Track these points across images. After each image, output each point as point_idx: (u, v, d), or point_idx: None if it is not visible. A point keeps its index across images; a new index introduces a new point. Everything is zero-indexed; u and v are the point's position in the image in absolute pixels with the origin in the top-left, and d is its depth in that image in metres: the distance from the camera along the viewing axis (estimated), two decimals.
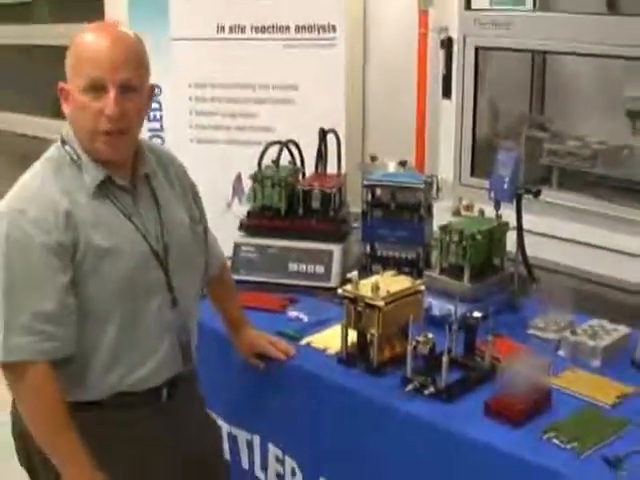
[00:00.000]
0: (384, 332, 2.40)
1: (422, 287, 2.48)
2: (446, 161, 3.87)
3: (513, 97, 3.86)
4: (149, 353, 2.19)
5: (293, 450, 2.58)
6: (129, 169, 2.19)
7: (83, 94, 2.04)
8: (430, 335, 2.31)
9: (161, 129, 4.05)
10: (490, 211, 2.82)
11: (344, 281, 2.97)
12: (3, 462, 2.54)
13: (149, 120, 3.93)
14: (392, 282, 2.48)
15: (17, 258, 2.01)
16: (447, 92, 3.80)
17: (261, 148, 3.02)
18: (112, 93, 2.02)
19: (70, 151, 2.12)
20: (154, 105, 3.93)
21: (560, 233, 3.23)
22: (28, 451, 2.20)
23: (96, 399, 2.15)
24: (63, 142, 2.14)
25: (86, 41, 2.06)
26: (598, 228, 3.25)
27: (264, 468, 2.71)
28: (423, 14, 4.11)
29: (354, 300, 2.43)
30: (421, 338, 2.30)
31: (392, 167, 3.94)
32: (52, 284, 2.02)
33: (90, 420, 2.11)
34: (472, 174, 3.69)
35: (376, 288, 2.38)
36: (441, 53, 3.80)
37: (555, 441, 2.09)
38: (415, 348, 2.31)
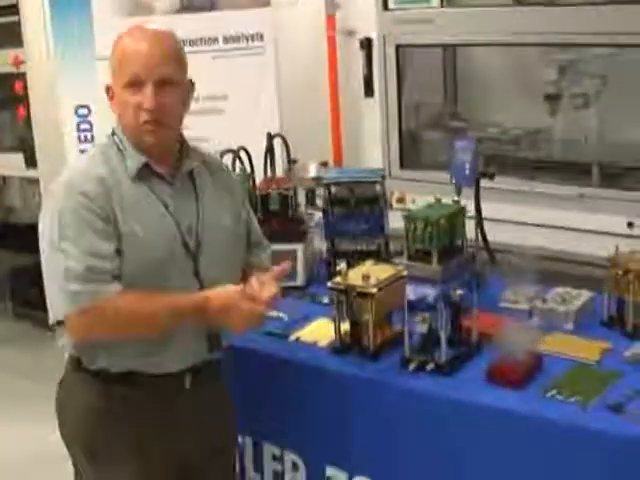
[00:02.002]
0: (377, 318, 2.51)
1: (405, 272, 2.59)
2: (371, 157, 4.00)
3: (431, 91, 4.03)
4: (170, 338, 2.27)
5: (295, 445, 2.66)
6: (173, 163, 2.33)
7: (124, 91, 2.21)
8: (427, 315, 2.43)
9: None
10: (424, 199, 2.94)
11: (309, 278, 3.10)
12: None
13: (80, 141, 3.93)
14: (377, 270, 2.60)
15: (70, 220, 2.17)
16: (369, 91, 3.94)
17: None
18: (149, 88, 2.18)
19: (117, 140, 2.29)
20: (85, 126, 3.94)
21: (499, 215, 3.39)
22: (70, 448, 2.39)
23: (122, 371, 2.27)
24: (113, 133, 2.31)
25: (124, 42, 2.25)
26: (532, 207, 3.44)
27: (259, 470, 2.77)
28: (330, 18, 4.27)
29: (344, 291, 2.53)
30: (419, 318, 2.42)
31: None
32: (102, 238, 2.17)
33: (114, 396, 2.27)
34: (401, 167, 3.84)
35: (367, 277, 2.50)
36: (360, 54, 3.92)
37: (559, 397, 2.25)
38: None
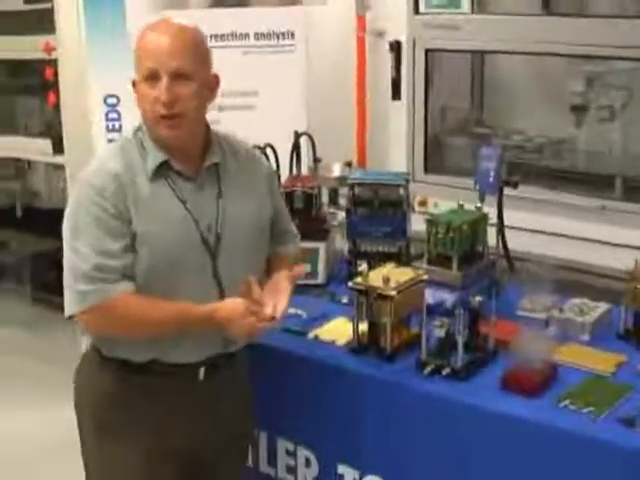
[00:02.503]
0: (395, 320, 2.54)
1: (425, 277, 2.62)
2: (396, 160, 4.02)
3: (457, 97, 4.06)
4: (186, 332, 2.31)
5: (308, 441, 2.69)
6: (197, 158, 2.34)
7: (143, 84, 2.24)
8: (445, 319, 2.46)
9: None
10: (446, 204, 2.98)
11: (329, 277, 3.13)
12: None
13: (108, 130, 3.98)
14: (398, 273, 2.63)
15: (83, 217, 2.22)
16: (396, 94, 3.96)
17: None
18: (164, 80, 2.20)
19: (141, 137, 2.32)
20: (113, 116, 3.98)
21: (521, 224, 3.41)
22: (80, 422, 2.45)
23: (136, 361, 2.32)
24: (139, 129, 2.34)
25: (144, 36, 2.27)
26: (554, 217, 3.46)
27: (272, 464, 2.81)
28: (360, 19, 4.29)
29: (365, 292, 2.56)
30: (437, 322, 2.45)
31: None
32: (113, 237, 2.21)
33: (129, 380, 2.33)
34: (425, 171, 3.86)
35: (387, 279, 2.53)
36: (389, 56, 3.95)
37: (572, 407, 2.28)
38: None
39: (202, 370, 2.38)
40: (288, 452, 2.76)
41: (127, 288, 2.22)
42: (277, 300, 2.34)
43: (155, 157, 2.28)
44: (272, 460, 2.81)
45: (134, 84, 2.29)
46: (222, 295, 2.33)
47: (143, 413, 2.35)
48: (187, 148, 2.32)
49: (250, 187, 2.44)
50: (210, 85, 2.34)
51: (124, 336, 2.30)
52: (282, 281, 2.42)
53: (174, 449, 2.38)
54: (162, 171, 2.28)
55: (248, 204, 2.42)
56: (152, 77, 2.21)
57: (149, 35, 2.26)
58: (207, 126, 2.39)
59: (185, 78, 2.22)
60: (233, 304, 2.28)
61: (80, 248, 2.21)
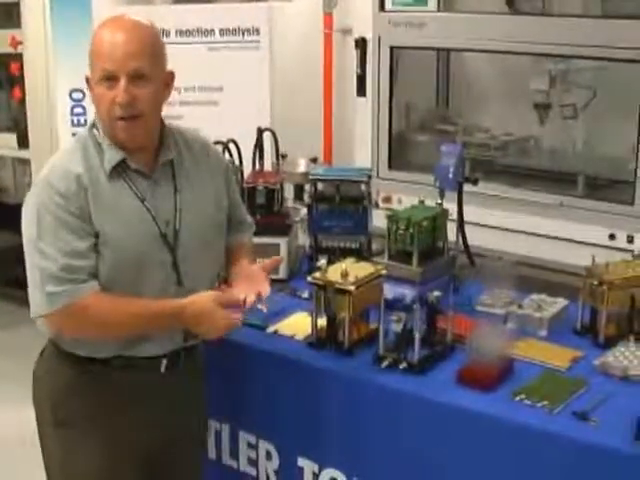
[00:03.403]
0: (353, 315, 2.56)
1: (384, 272, 2.64)
2: (361, 156, 4.03)
3: (422, 94, 4.08)
4: None
5: (269, 434, 2.70)
6: (151, 155, 2.33)
7: (99, 85, 2.21)
8: (403, 314, 2.47)
9: None
10: (410, 200, 2.99)
11: (291, 272, 3.14)
12: None
13: (73, 125, 3.97)
14: (357, 268, 2.64)
15: (47, 219, 2.20)
16: (361, 90, 3.97)
17: None
18: (122, 82, 2.17)
19: (96, 134, 2.29)
20: (79, 110, 3.97)
21: (482, 220, 3.43)
22: (39, 416, 2.44)
23: (103, 357, 2.32)
24: (93, 125, 2.31)
25: (99, 35, 2.23)
26: (516, 213, 3.49)
27: (234, 457, 2.82)
28: (327, 16, 4.31)
29: (323, 287, 2.57)
30: (394, 317, 2.47)
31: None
32: (78, 237, 2.20)
33: (91, 374, 2.33)
34: (389, 167, 3.88)
35: (345, 274, 2.54)
36: (355, 53, 3.96)
37: (527, 402, 2.30)
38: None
39: (164, 363, 2.39)
40: (250, 445, 2.77)
41: (94, 287, 2.22)
42: (259, 288, 2.38)
43: (112, 156, 2.26)
44: (234, 453, 2.82)
45: (88, 81, 2.27)
46: (181, 287, 2.33)
47: (103, 406, 2.35)
48: (143, 146, 2.31)
49: (206, 181, 2.45)
50: (167, 82, 2.33)
51: (94, 336, 2.30)
52: (258, 272, 2.46)
53: (134, 441, 2.38)
54: (119, 169, 2.27)
55: (205, 198, 2.43)
56: (109, 78, 2.18)
57: (104, 35, 2.22)
58: (162, 122, 2.38)
59: (143, 79, 2.20)
60: (202, 300, 2.29)
61: (45, 249, 2.20)
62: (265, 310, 2.47)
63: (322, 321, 2.63)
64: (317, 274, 2.61)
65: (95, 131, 2.30)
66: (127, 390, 2.36)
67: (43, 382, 2.44)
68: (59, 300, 2.19)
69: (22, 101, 5.19)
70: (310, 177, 3.12)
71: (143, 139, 2.29)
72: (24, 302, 2.31)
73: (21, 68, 5.06)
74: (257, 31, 3.99)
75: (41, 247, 2.20)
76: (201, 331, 2.33)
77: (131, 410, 2.36)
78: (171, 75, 2.35)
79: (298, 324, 2.76)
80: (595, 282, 2.63)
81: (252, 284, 2.42)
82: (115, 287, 2.26)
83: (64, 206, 2.19)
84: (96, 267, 2.23)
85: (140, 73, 2.20)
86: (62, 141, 4.04)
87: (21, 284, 2.42)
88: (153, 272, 2.30)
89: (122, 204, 2.27)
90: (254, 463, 2.76)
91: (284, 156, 3.72)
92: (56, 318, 2.23)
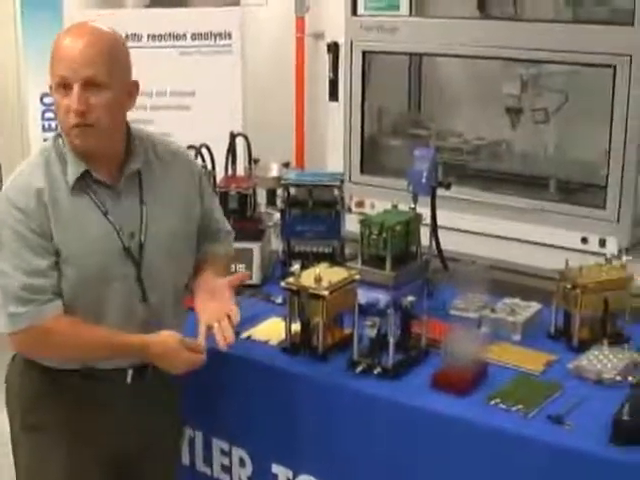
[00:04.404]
0: (327, 320, 2.55)
1: (357, 277, 2.63)
2: (334, 161, 4.03)
3: (395, 99, 4.08)
4: None
5: (242, 441, 2.68)
6: (116, 165, 2.28)
7: (56, 92, 2.17)
8: (377, 319, 2.47)
9: None
10: (383, 205, 3.00)
11: (265, 277, 3.13)
12: None
13: (44, 130, 3.93)
14: (330, 273, 2.63)
15: (6, 237, 2.17)
16: (333, 95, 3.97)
17: None
18: (75, 89, 2.12)
19: (60, 144, 2.25)
20: (50, 115, 3.94)
21: (455, 224, 3.43)
22: (11, 421, 2.42)
23: (70, 369, 2.30)
24: (58, 135, 2.27)
25: (58, 42, 2.17)
26: (488, 218, 3.49)
27: (208, 463, 2.80)
28: (299, 20, 4.31)
29: (297, 292, 2.56)
30: (368, 322, 2.46)
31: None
32: (39, 255, 2.17)
33: (59, 382, 2.30)
34: (362, 172, 3.88)
35: (319, 279, 2.53)
36: (327, 57, 3.96)
37: (502, 406, 2.30)
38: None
39: (130, 373, 2.36)
40: (223, 452, 2.75)
41: (58, 308, 2.19)
42: (225, 309, 2.34)
43: (75, 168, 2.21)
44: (208, 459, 2.80)
45: (50, 88, 2.22)
46: (146, 302, 2.30)
47: (70, 414, 2.32)
48: (106, 156, 2.25)
49: (175, 191, 2.39)
50: (129, 91, 2.27)
51: (55, 358, 2.29)
52: (222, 288, 2.41)
53: (104, 447, 2.35)
54: (82, 182, 2.22)
55: (173, 209, 2.37)
56: (64, 85, 2.14)
57: (63, 41, 2.16)
58: (128, 131, 2.32)
59: (98, 87, 2.14)
60: (166, 341, 2.27)
61: (6, 269, 2.16)
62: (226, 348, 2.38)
63: (296, 326, 2.62)
64: (291, 279, 2.59)
65: (60, 141, 2.25)
66: (95, 397, 2.33)
67: (14, 387, 2.41)
68: (21, 321, 2.16)
69: None
70: (283, 182, 3.11)
71: (98, 147, 2.22)
72: None
73: None
74: (229, 35, 3.97)
75: (1, 266, 2.17)
76: (164, 367, 2.31)
77: (100, 416, 2.34)
78: (135, 84, 2.28)
79: (272, 329, 2.75)
80: (569, 286, 2.64)
81: (216, 302, 2.37)
82: (78, 304, 2.22)
83: (24, 222, 2.15)
84: (58, 285, 2.19)
85: (95, 81, 2.13)
86: (33, 146, 4.00)
87: None
88: (117, 287, 2.26)
89: (84, 219, 2.22)
90: (228, 470, 2.74)
91: (256, 161, 3.70)
92: (18, 338, 2.21)
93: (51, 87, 2.21)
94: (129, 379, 2.36)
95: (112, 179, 2.27)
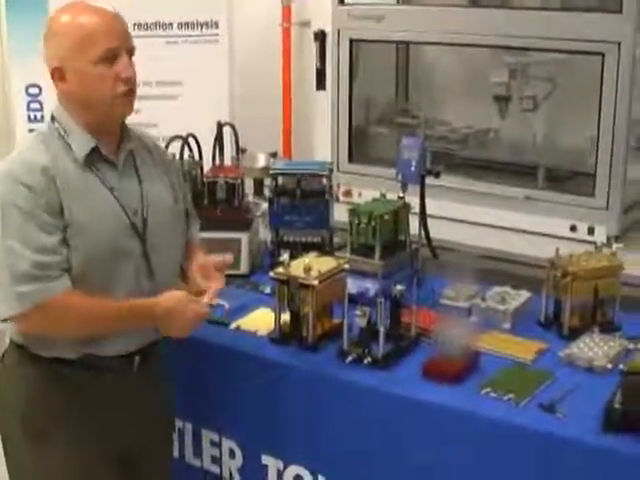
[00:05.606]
0: (317, 310, 2.53)
1: (346, 266, 2.61)
2: (321, 150, 4.01)
3: (382, 87, 4.06)
4: None
5: (232, 432, 2.67)
6: (116, 144, 2.31)
7: (98, 65, 2.18)
8: (367, 308, 2.45)
9: None
10: (371, 194, 2.97)
11: (253, 267, 3.11)
12: None
13: (30, 120, 3.91)
14: (320, 263, 2.61)
15: (13, 215, 2.13)
16: (321, 84, 3.94)
17: None
18: (126, 58, 2.21)
19: (58, 127, 2.25)
20: (35, 106, 3.91)
21: (444, 213, 3.42)
22: (5, 427, 2.37)
23: (68, 358, 2.26)
24: (53, 119, 2.27)
25: (78, 19, 2.20)
26: (477, 206, 3.48)
27: (198, 455, 2.79)
28: (286, 9, 4.28)
29: (286, 282, 2.54)
30: (358, 312, 2.44)
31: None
32: (47, 232, 2.15)
33: (61, 377, 2.26)
34: (350, 161, 3.86)
35: (308, 269, 2.51)
36: (314, 46, 3.93)
37: (493, 395, 2.29)
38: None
39: (137, 360, 2.35)
40: (213, 443, 2.74)
41: (67, 284, 2.17)
42: (215, 283, 2.41)
43: (84, 143, 2.23)
44: (197, 451, 2.79)
45: (56, 71, 2.21)
46: (152, 277, 2.31)
47: (74, 410, 2.28)
48: (112, 133, 2.31)
49: (162, 173, 2.45)
50: None
51: (64, 335, 2.24)
52: (211, 269, 2.47)
53: (109, 444, 2.33)
54: (90, 159, 2.24)
55: (165, 189, 2.43)
56: (110, 57, 2.18)
57: (88, 18, 2.19)
58: None
59: (131, 57, 2.25)
60: (174, 294, 2.29)
61: (14, 247, 2.13)
62: (227, 306, 2.46)
63: (285, 316, 2.60)
64: (280, 269, 2.58)
65: (57, 124, 2.25)
66: (97, 393, 2.30)
67: (9, 390, 2.36)
68: (32, 299, 2.13)
69: None
70: (271, 171, 3.09)
71: (119, 122, 2.32)
72: None
73: None
74: (216, 24, 3.95)
75: (9, 244, 2.13)
76: (171, 327, 2.31)
77: (103, 413, 2.31)
78: None
79: (261, 320, 2.73)
80: (559, 274, 2.63)
81: (209, 281, 2.43)
82: (88, 280, 2.21)
83: (33, 200, 2.13)
84: (67, 262, 2.18)
85: (134, 50, 2.25)
86: (19, 137, 3.97)
87: None
88: (125, 263, 2.27)
89: (92, 193, 2.23)
90: (218, 461, 2.73)
91: (244, 150, 3.68)
92: (28, 318, 2.16)
93: (58, 69, 2.20)
94: (136, 367, 2.35)
95: (113, 156, 2.30)
